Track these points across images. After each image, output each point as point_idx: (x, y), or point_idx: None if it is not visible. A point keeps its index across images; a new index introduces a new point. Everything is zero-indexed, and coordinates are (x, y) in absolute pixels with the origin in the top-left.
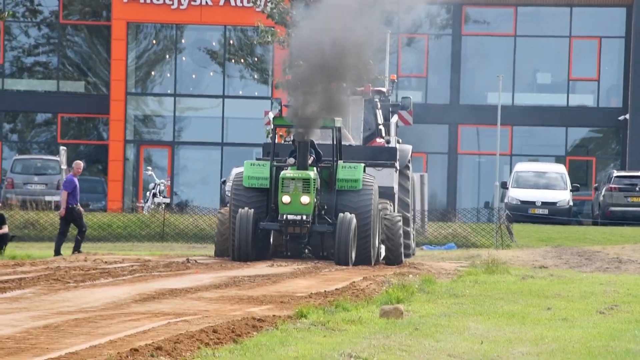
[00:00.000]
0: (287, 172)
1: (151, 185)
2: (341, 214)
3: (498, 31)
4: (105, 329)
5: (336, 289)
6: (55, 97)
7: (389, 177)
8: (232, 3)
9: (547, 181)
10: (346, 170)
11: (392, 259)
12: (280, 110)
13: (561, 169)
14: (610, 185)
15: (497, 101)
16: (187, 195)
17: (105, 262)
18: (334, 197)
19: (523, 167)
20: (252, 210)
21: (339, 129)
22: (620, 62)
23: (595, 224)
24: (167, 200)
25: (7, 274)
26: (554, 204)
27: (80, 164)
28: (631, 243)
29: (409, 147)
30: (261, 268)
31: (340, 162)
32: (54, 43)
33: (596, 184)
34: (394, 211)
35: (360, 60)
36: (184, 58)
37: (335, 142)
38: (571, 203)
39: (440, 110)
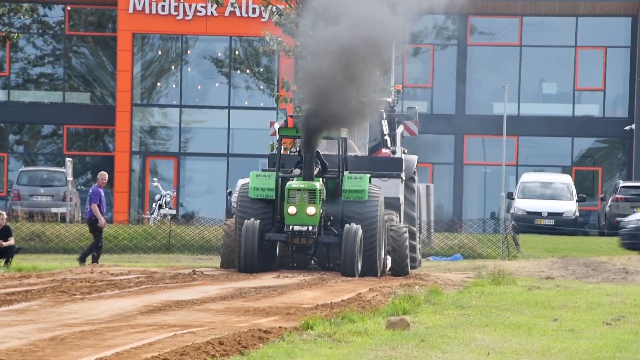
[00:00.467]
0: (293, 183)
1: (157, 197)
2: (347, 225)
3: (504, 41)
4: (112, 341)
5: (342, 300)
6: (61, 109)
7: (394, 188)
8: (238, 14)
9: (553, 192)
10: (352, 181)
11: (398, 270)
12: (286, 121)
13: (567, 179)
14: (617, 196)
15: (502, 111)
16: (193, 207)
17: (112, 273)
18: (340, 208)
19: (529, 177)
20: (258, 221)
21: (345, 140)
22: (626, 72)
23: (601, 234)
24: (173, 212)
25: (14, 286)
26: (560, 214)
27: (105, 174)
28: (637, 254)
29: (414, 158)
30: (267, 279)
31: (346, 173)
32: (60, 54)
33: (602, 195)
34: (400, 222)
35: (367, 70)
36: (189, 69)
37: (341, 153)
38: (577, 213)
39: (446, 121)
